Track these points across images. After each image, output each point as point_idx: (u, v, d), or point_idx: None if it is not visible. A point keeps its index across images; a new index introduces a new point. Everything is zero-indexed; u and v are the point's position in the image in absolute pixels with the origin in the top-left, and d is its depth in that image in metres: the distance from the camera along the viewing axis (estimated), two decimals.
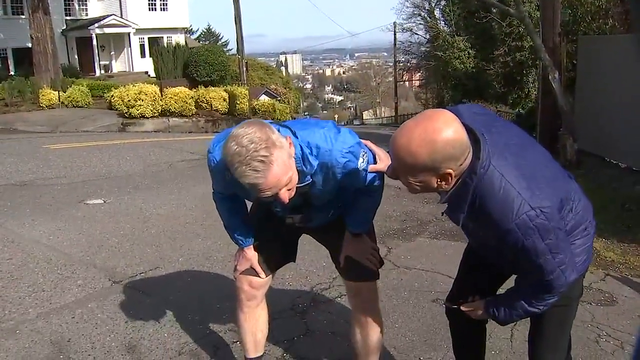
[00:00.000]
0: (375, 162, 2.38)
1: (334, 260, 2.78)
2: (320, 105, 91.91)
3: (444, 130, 1.77)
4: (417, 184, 1.89)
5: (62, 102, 21.85)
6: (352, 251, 2.62)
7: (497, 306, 2.17)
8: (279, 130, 2.10)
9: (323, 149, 2.20)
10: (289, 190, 2.09)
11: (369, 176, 2.38)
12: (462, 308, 2.24)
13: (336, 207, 2.57)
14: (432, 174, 1.84)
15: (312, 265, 4.63)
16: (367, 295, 2.71)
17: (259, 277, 2.69)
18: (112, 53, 36.90)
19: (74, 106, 21.84)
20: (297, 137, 2.18)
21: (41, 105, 21.26)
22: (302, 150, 2.18)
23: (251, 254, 2.67)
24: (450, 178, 1.85)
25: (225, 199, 2.60)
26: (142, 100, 19.60)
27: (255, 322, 2.79)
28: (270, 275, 2.77)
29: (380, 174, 2.43)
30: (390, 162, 2.35)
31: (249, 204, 2.72)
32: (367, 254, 2.66)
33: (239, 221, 2.65)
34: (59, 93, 21.89)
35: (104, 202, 7.04)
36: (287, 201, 2.11)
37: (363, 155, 2.31)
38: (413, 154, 1.79)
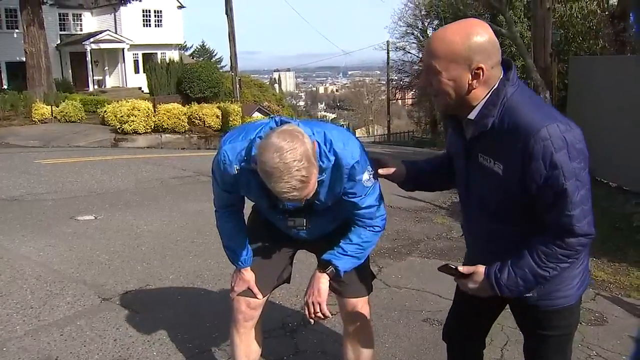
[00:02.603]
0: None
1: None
2: None
3: (479, 26, 1.88)
4: (449, 81, 1.89)
5: (55, 117, 21.85)
6: (352, 270, 2.59)
7: (501, 268, 1.98)
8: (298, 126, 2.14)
9: (336, 146, 2.23)
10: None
11: (373, 200, 2.40)
12: (460, 269, 2.06)
13: (335, 219, 2.56)
14: (464, 68, 1.87)
15: (303, 284, 4.57)
16: (361, 311, 2.71)
17: (257, 298, 2.68)
18: (106, 68, 36.98)
19: (66, 121, 21.84)
20: (313, 134, 2.20)
21: (34, 119, 21.27)
22: (319, 146, 2.18)
23: (249, 276, 2.66)
24: (481, 75, 1.87)
25: (226, 218, 2.60)
26: (135, 116, 19.61)
27: (250, 343, 2.78)
28: (267, 296, 2.76)
29: (383, 210, 2.48)
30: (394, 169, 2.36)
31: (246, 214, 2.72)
32: (363, 270, 2.66)
33: (238, 242, 2.63)
34: (51, 108, 21.89)
35: (95, 218, 7.02)
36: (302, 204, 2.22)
37: (370, 171, 2.34)
38: (448, 41, 1.86)
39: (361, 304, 2.70)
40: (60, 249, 5.61)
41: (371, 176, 2.35)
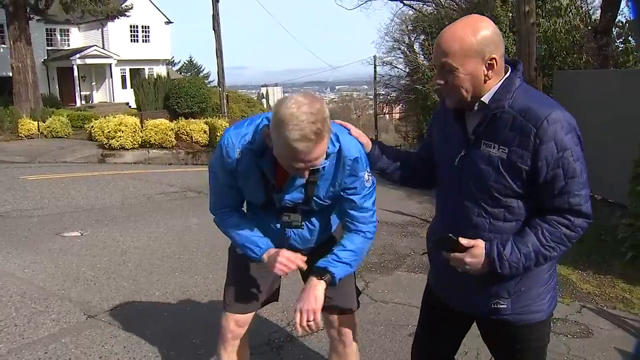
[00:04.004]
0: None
1: None
2: None
3: (483, 20, 1.98)
4: (467, 76, 1.94)
5: (42, 132, 21.76)
6: (338, 285, 2.52)
7: (503, 243, 1.97)
8: None
9: (342, 137, 2.25)
10: (312, 167, 2.13)
11: (370, 204, 2.40)
12: (461, 240, 1.97)
13: (329, 225, 2.55)
14: (479, 60, 1.94)
15: (290, 299, 4.58)
16: (348, 327, 2.70)
17: (246, 312, 2.65)
18: (93, 84, 36.92)
19: (53, 136, 21.74)
20: None
21: (20, 135, 21.17)
22: None
23: (274, 251, 2.42)
24: (495, 65, 1.95)
25: (228, 215, 2.49)
26: (122, 132, 19.54)
27: None
28: (254, 312, 2.73)
29: (375, 217, 2.46)
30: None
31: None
32: (349, 286, 2.65)
33: (250, 231, 2.47)
34: (38, 123, 21.80)
35: (81, 234, 6.98)
36: (306, 177, 2.16)
37: (369, 172, 2.35)
38: (460, 38, 1.92)
39: (348, 320, 2.70)
40: (45, 266, 5.57)
41: (371, 177, 2.35)
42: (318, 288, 2.34)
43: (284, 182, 2.29)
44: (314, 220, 2.48)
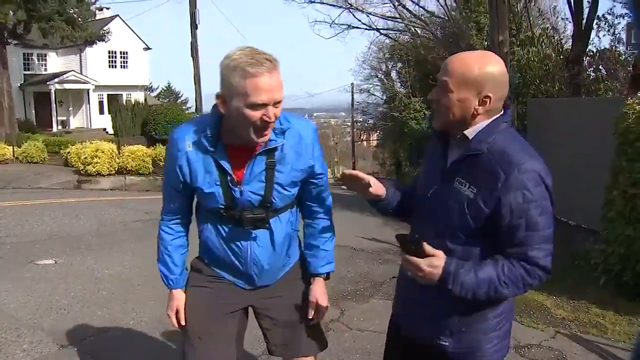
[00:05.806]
0: None
1: (276, 340, 2.55)
2: None
3: (495, 58, 1.99)
4: (458, 102, 1.96)
5: (17, 158, 21.52)
6: (308, 329, 2.48)
7: (463, 263, 1.91)
8: None
9: (292, 118, 2.26)
10: (275, 110, 2.07)
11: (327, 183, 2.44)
12: (425, 246, 1.87)
13: (290, 237, 2.42)
14: (475, 93, 1.95)
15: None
16: None
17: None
18: (70, 109, 36.71)
19: (28, 162, 21.50)
20: None
21: None
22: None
23: (180, 297, 2.47)
24: (488, 103, 1.95)
25: (169, 229, 2.48)
26: (99, 158, 19.38)
27: None
28: None
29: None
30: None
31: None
32: (318, 327, 2.54)
33: (175, 258, 2.48)
34: (13, 148, 21.58)
35: (55, 262, 6.89)
36: (273, 121, 2.07)
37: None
38: (467, 65, 1.95)
39: None
40: (17, 294, 5.49)
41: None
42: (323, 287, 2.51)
43: (241, 173, 2.21)
44: (275, 223, 2.33)
